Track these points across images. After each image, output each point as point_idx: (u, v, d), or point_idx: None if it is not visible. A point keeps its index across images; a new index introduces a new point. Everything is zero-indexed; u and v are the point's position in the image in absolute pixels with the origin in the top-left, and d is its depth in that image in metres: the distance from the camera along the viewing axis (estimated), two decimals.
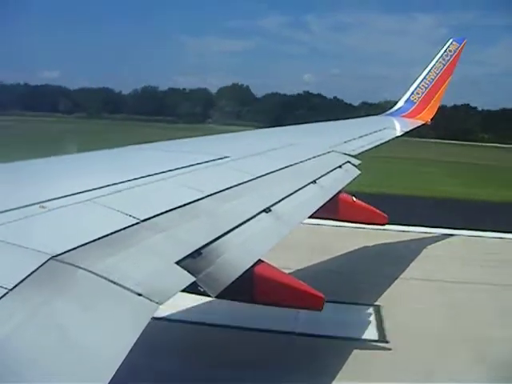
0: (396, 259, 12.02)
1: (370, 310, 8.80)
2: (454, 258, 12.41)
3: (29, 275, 2.06)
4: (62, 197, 2.96)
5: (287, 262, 7.44)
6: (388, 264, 11.55)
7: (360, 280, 10.31)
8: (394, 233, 13.68)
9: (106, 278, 2.27)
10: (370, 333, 7.95)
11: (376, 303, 9.05)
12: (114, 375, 1.82)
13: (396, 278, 10.40)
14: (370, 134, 9.28)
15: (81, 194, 3.06)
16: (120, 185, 3.40)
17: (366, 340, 7.71)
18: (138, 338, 2.01)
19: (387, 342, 7.63)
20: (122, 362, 1.88)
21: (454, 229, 14.83)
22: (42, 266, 2.15)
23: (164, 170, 3.94)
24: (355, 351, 7.25)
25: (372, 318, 8.47)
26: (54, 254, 2.25)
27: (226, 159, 4.85)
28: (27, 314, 1.91)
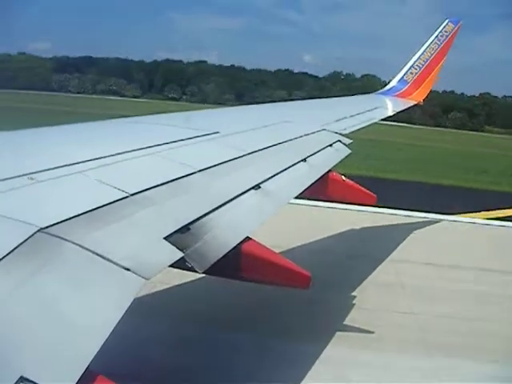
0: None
1: None
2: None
3: (16, 247, 2.05)
4: (51, 169, 2.93)
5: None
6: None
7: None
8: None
9: (93, 252, 2.26)
10: None
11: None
12: (100, 349, 1.83)
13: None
14: (362, 113, 9.25)
15: (69, 167, 3.04)
16: (109, 158, 3.38)
17: None
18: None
19: None
20: (109, 336, 1.89)
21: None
22: (29, 238, 2.14)
23: (153, 144, 3.92)
24: None
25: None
26: (42, 227, 2.24)
27: (217, 135, 4.82)
28: (13, 285, 1.90)
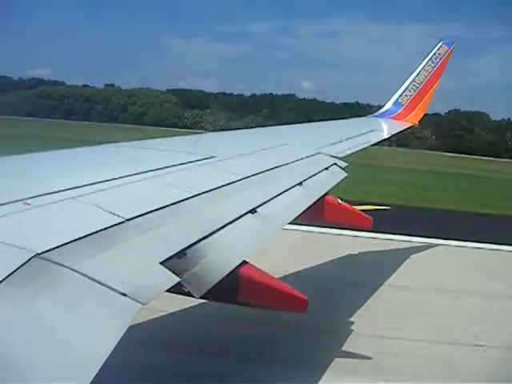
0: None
1: None
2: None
3: (12, 272, 2.04)
4: (47, 194, 2.93)
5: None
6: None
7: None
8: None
9: (90, 277, 2.25)
10: None
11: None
12: (97, 374, 1.82)
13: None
14: (358, 136, 9.29)
15: (65, 192, 3.04)
16: (105, 183, 3.38)
17: None
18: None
19: None
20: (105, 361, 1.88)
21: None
22: (25, 263, 2.13)
23: (149, 169, 3.92)
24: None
25: None
26: (38, 252, 2.24)
27: (213, 159, 4.83)
28: (10, 311, 1.89)
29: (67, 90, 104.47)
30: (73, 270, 2.25)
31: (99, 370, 1.83)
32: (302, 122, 11.64)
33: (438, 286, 10.89)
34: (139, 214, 3.04)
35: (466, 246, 14.58)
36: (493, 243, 14.61)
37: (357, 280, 10.85)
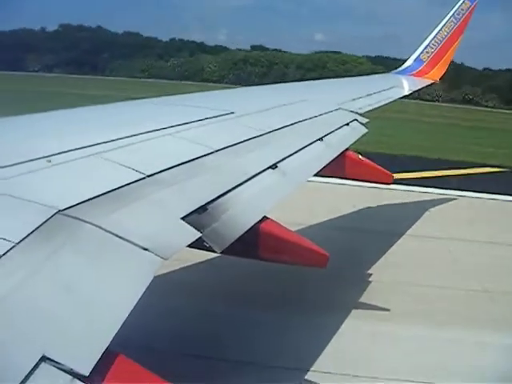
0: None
1: None
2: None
3: (35, 229, 2.07)
4: (68, 151, 2.94)
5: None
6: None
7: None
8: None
9: (112, 233, 2.27)
10: None
11: None
12: (119, 330, 1.84)
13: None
14: (378, 92, 9.17)
15: (86, 149, 3.04)
16: (125, 139, 3.38)
17: None
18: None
19: None
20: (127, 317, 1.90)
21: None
22: (48, 220, 2.15)
23: (168, 126, 3.91)
24: None
25: None
26: (61, 208, 2.26)
27: (232, 115, 4.81)
28: (34, 267, 1.92)
29: None
30: (95, 225, 2.26)
31: (122, 325, 1.86)
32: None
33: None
34: (160, 170, 3.04)
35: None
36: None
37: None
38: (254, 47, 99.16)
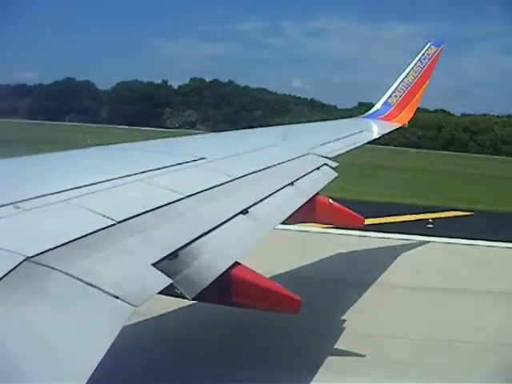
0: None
1: None
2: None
3: (3, 276, 2.02)
4: (37, 197, 2.91)
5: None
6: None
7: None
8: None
9: (82, 280, 2.23)
10: None
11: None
12: (89, 379, 1.80)
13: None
14: (348, 136, 9.32)
15: (55, 195, 3.02)
16: (95, 185, 3.36)
17: None
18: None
19: None
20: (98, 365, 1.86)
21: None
22: (16, 267, 2.11)
23: (139, 171, 3.91)
24: None
25: None
26: (29, 256, 2.22)
27: (203, 160, 4.82)
28: (0, 316, 1.87)
29: None
30: (64, 272, 2.23)
31: (92, 374, 1.82)
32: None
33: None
34: (130, 216, 3.02)
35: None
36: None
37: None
38: None
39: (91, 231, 2.67)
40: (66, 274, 2.23)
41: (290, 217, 4.63)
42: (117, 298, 2.23)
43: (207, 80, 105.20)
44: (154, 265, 2.66)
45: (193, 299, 2.89)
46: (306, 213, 5.56)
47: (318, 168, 6.33)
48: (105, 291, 2.24)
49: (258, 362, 6.97)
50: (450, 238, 14.99)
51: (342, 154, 7.79)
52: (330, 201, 6.29)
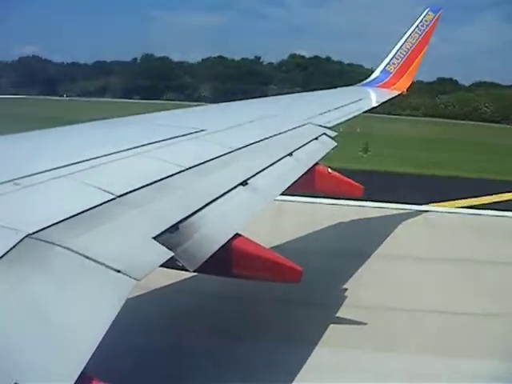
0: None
1: None
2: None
3: (5, 254, 2.04)
4: (37, 173, 2.92)
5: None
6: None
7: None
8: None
9: (83, 255, 2.25)
10: None
11: None
12: (93, 353, 1.82)
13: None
14: (346, 105, 9.27)
15: (55, 170, 3.02)
16: (95, 160, 3.36)
17: None
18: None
19: None
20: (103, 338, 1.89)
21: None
22: (17, 244, 2.13)
23: (139, 145, 3.91)
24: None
25: None
26: (30, 232, 2.23)
27: (203, 132, 4.82)
28: (3, 292, 1.89)
29: None
30: (65, 248, 2.24)
31: (96, 349, 1.84)
32: None
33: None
34: (130, 190, 3.03)
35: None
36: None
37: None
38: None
39: (91, 206, 2.68)
40: (68, 249, 2.24)
41: (289, 187, 4.64)
42: (118, 271, 2.25)
43: (307, 56, 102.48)
44: (154, 238, 2.68)
45: (194, 271, 2.91)
46: (306, 183, 5.57)
47: (316, 138, 6.31)
48: (107, 265, 2.26)
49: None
50: None
51: (341, 123, 7.76)
52: (329, 170, 6.30)
